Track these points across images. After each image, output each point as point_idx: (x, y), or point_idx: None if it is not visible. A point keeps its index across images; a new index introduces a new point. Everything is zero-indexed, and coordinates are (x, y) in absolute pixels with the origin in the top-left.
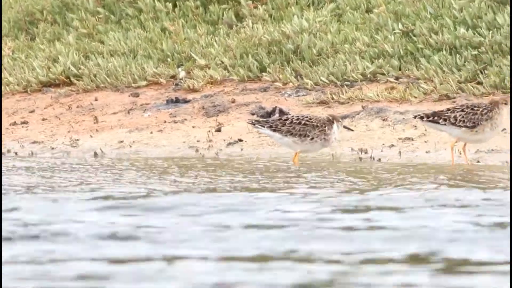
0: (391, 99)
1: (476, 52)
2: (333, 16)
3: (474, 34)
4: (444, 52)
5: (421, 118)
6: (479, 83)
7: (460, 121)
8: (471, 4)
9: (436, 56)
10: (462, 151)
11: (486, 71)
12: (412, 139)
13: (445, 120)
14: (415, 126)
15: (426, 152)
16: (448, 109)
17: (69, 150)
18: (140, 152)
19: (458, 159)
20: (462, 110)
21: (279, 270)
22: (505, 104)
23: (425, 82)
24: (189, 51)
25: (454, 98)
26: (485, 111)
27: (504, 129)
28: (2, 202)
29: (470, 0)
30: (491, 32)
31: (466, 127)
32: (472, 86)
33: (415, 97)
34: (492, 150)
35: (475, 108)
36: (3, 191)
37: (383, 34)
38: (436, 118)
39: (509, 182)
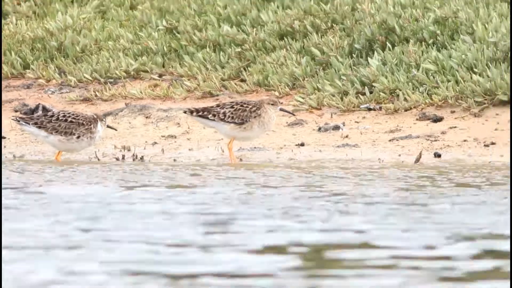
0: (155, 97)
1: (239, 50)
2: (97, 13)
3: (238, 31)
4: (208, 49)
5: (191, 112)
6: (243, 80)
7: (229, 117)
8: (235, 1)
9: (200, 53)
10: (228, 148)
11: (249, 69)
12: (175, 137)
13: (214, 115)
14: (179, 124)
15: (189, 149)
16: (218, 105)
17: None
18: None
19: (222, 157)
20: (232, 107)
21: None
22: (272, 104)
23: (188, 80)
24: None
25: (218, 95)
26: (254, 108)
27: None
28: None
29: None
30: (255, 29)
31: (235, 123)
32: (235, 84)
33: (179, 95)
34: (255, 148)
35: (244, 105)
36: None
37: (147, 31)
38: (205, 113)
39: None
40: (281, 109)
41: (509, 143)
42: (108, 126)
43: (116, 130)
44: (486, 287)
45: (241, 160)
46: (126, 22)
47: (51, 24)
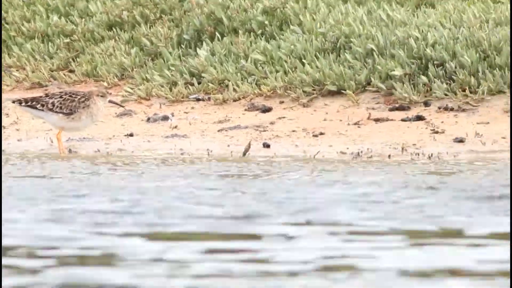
0: None
1: (68, 40)
2: None
3: (67, 22)
4: (36, 40)
5: (20, 102)
6: (71, 71)
7: (57, 107)
8: None
9: (29, 44)
10: (57, 139)
11: (78, 59)
12: (4, 127)
13: (43, 105)
14: (7, 114)
15: (18, 140)
16: (47, 95)
17: None
18: None
19: (51, 148)
20: (61, 97)
21: None
22: (102, 96)
23: (17, 70)
24: None
25: (47, 86)
26: (83, 99)
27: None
28: None
29: None
30: (83, 20)
31: (63, 113)
32: (64, 74)
33: (8, 85)
34: (84, 138)
35: (73, 96)
36: None
37: None
38: (34, 103)
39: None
40: (110, 101)
41: (337, 133)
42: None
43: None
44: None
45: (70, 151)
46: None
47: None
